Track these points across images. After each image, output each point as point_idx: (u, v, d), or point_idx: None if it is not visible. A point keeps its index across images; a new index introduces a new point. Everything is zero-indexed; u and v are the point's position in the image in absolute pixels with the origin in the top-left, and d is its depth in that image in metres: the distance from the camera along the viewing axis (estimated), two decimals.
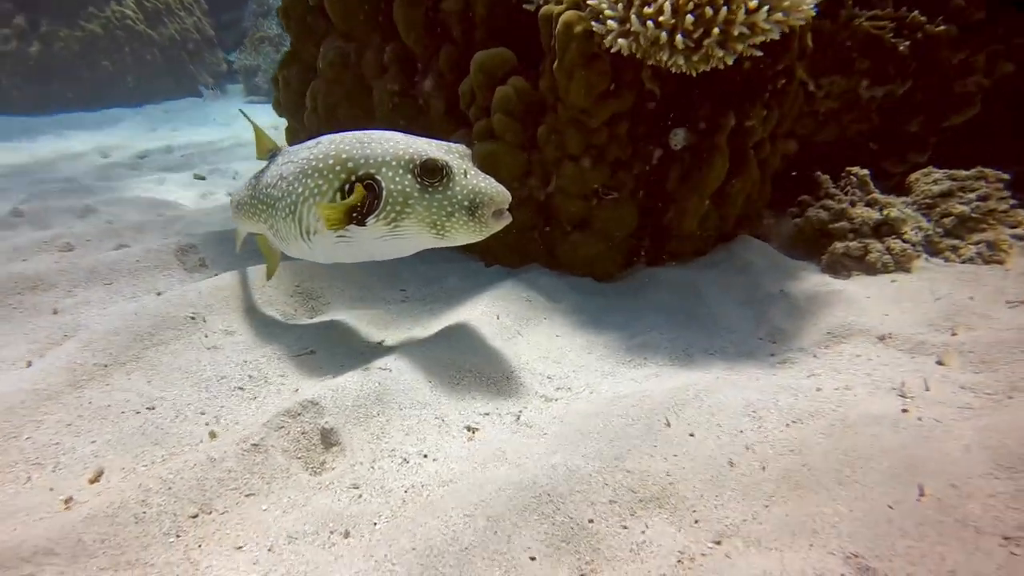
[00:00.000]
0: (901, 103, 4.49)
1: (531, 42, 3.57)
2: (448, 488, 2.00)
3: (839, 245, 3.83)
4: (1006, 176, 3.96)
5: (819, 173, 4.18)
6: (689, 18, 2.59)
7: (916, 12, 4.21)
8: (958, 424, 2.08)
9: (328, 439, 2.23)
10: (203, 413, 2.46)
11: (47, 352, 2.78)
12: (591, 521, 1.81)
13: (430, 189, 2.45)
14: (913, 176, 4.15)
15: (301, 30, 4.63)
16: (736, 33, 2.61)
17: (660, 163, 3.61)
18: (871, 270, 3.73)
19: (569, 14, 3.12)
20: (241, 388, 2.63)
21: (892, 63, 4.29)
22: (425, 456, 2.21)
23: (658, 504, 1.88)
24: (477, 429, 2.38)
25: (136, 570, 1.66)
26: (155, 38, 12.00)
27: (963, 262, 3.73)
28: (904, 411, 2.22)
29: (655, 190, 3.68)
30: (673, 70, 2.84)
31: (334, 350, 2.96)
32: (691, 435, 2.19)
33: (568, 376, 2.79)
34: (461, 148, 2.64)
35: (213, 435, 2.23)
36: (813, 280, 3.56)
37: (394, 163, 2.46)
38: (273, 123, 6.66)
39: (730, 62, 2.73)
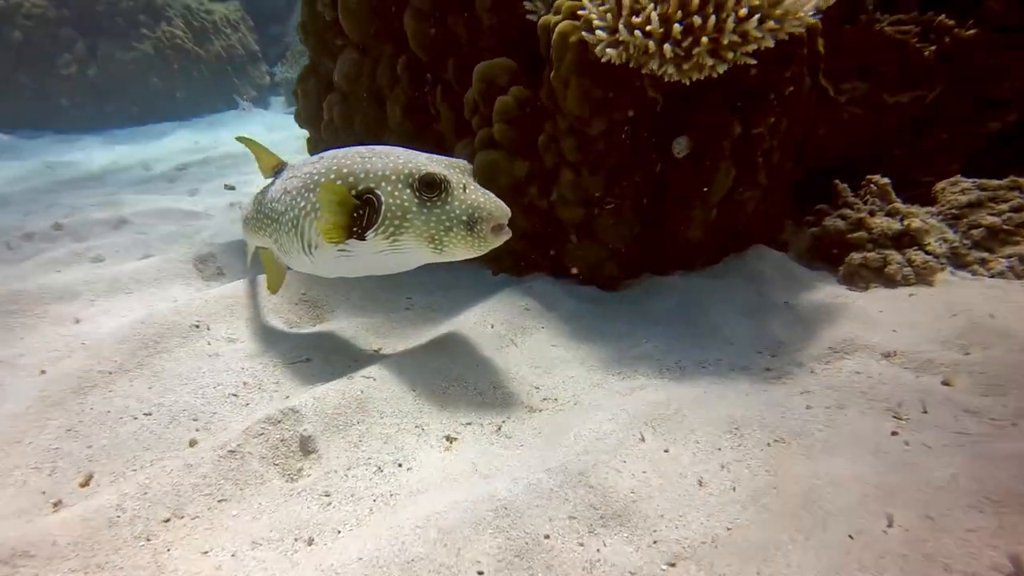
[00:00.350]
0: (931, 109, 4.31)
1: (536, 51, 3.58)
2: (414, 498, 2.02)
3: (856, 256, 3.70)
4: None
5: (837, 181, 4.05)
6: (677, 27, 2.55)
7: (943, 16, 4.03)
8: (949, 451, 1.98)
9: (306, 446, 2.28)
10: (195, 419, 2.54)
11: (62, 360, 2.92)
12: (547, 537, 1.79)
13: (428, 204, 2.47)
14: (939, 185, 3.97)
15: (318, 44, 4.76)
16: (726, 42, 2.56)
17: (664, 171, 3.56)
18: (890, 282, 3.58)
19: (564, 24, 3.12)
20: (235, 395, 2.71)
21: (918, 68, 4.12)
22: (400, 465, 2.24)
23: (619, 522, 1.85)
24: (456, 439, 2.40)
25: (104, 573, 1.74)
26: (202, 55, 12.52)
27: (992, 276, 3.55)
28: (894, 434, 2.13)
29: (659, 198, 3.63)
30: (666, 79, 2.80)
31: (329, 358, 3.02)
32: (666, 451, 2.15)
33: (556, 387, 2.77)
34: (462, 163, 2.65)
35: (193, 442, 2.30)
36: (825, 292, 3.45)
37: (393, 177, 2.48)
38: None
39: (721, 71, 2.68)
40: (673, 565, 1.69)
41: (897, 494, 1.75)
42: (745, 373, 2.75)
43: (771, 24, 2.57)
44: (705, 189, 3.49)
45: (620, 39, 2.69)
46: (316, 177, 2.62)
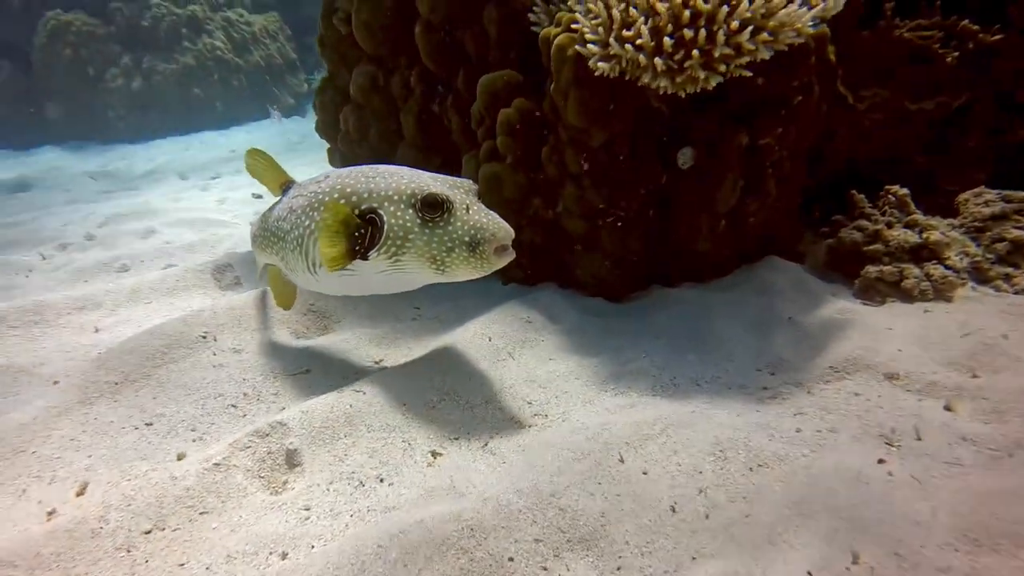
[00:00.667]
0: (957, 116, 4.14)
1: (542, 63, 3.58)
2: (389, 514, 2.04)
3: (872, 269, 3.58)
4: None
5: (854, 192, 3.92)
6: (667, 41, 2.52)
7: (967, 21, 3.88)
8: (937, 482, 1.90)
9: (292, 460, 2.33)
10: (194, 430, 2.62)
11: (75, 370, 3.05)
12: (511, 559, 1.79)
13: (430, 224, 2.45)
14: (962, 196, 3.81)
15: (335, 57, 4.86)
16: (718, 55, 2.51)
17: (669, 182, 3.51)
18: (908, 297, 3.45)
19: (562, 37, 3.11)
20: (234, 406, 2.79)
21: (942, 74, 3.96)
22: (381, 480, 2.26)
23: (585, 546, 1.83)
24: (441, 454, 2.41)
25: None
26: (242, 65, 12.91)
27: (1016, 292, 3.38)
28: (881, 462, 2.05)
29: (666, 209, 3.59)
30: (660, 92, 2.77)
31: (329, 370, 3.08)
32: (644, 473, 2.12)
33: (549, 402, 2.76)
34: (467, 183, 2.63)
35: (181, 456, 2.37)
36: (836, 307, 3.34)
37: (395, 197, 2.48)
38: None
39: (714, 84, 2.63)
40: None
41: (870, 529, 1.68)
42: (741, 392, 2.69)
43: (765, 36, 2.51)
44: (711, 200, 3.43)
45: (612, 53, 2.67)
46: (321, 196, 2.64)
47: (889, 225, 3.73)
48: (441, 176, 2.64)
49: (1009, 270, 3.48)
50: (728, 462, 2.15)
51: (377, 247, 2.48)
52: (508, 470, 2.23)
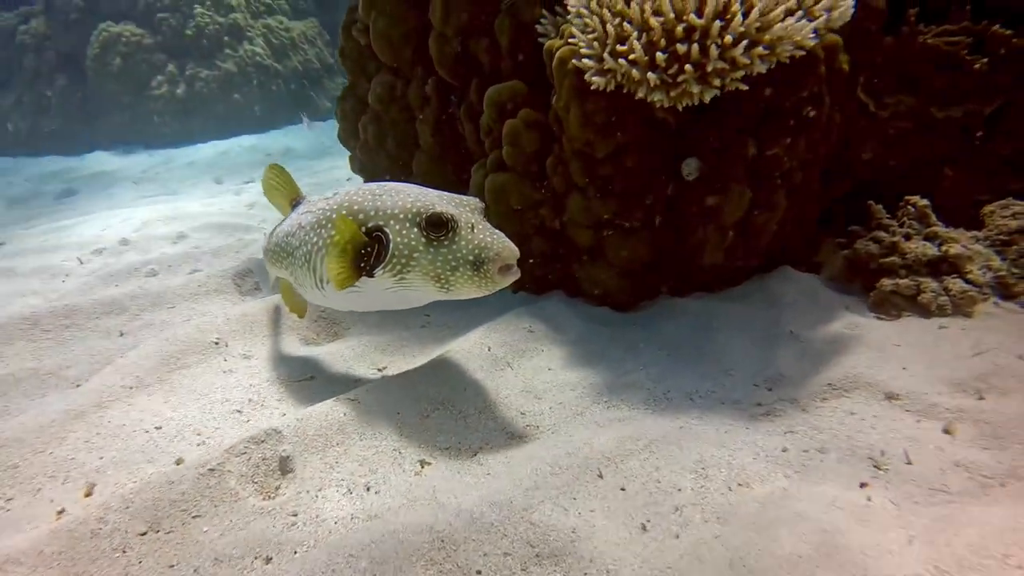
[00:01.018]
0: (989, 124, 3.99)
1: None
2: (369, 523, 2.10)
3: (887, 282, 3.48)
4: None
5: (871, 202, 3.82)
6: (660, 56, 2.51)
7: (998, 25, 3.73)
8: (916, 510, 1.86)
9: (285, 466, 2.41)
10: (199, 434, 2.74)
11: (95, 373, 3.21)
12: (479, 572, 1.83)
13: (435, 243, 2.47)
14: (987, 208, 3.67)
15: (355, 67, 4.97)
16: (711, 69, 2.50)
17: (675, 193, 3.49)
18: (924, 312, 3.35)
19: (564, 49, 3.12)
20: (239, 411, 2.90)
21: (970, 81, 3.83)
22: (368, 488, 2.33)
23: (553, 562, 1.86)
24: (430, 464, 2.46)
25: None
26: (280, 70, 13.27)
27: None
28: (863, 486, 2.01)
29: (674, 220, 3.57)
30: (657, 105, 2.76)
31: (333, 377, 3.17)
32: (622, 489, 2.13)
33: (543, 413, 2.79)
34: (474, 202, 2.65)
35: (180, 461, 2.48)
36: (845, 320, 3.27)
37: (401, 216, 2.51)
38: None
39: (708, 98, 2.61)
40: None
41: (836, 557, 1.66)
42: (734, 408, 2.66)
43: (760, 50, 2.48)
44: (718, 211, 3.40)
45: (606, 67, 2.67)
46: (329, 213, 2.67)
47: (907, 237, 3.62)
48: (448, 194, 2.66)
49: None
50: (709, 480, 2.14)
51: (383, 265, 2.51)
52: (491, 482, 2.26)
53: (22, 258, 5.43)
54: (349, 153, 5.42)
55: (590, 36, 2.76)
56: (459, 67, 4.16)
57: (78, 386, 3.07)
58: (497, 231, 2.55)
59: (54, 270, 4.92)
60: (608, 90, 2.82)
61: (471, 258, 2.46)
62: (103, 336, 3.73)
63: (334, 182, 8.15)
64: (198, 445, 2.66)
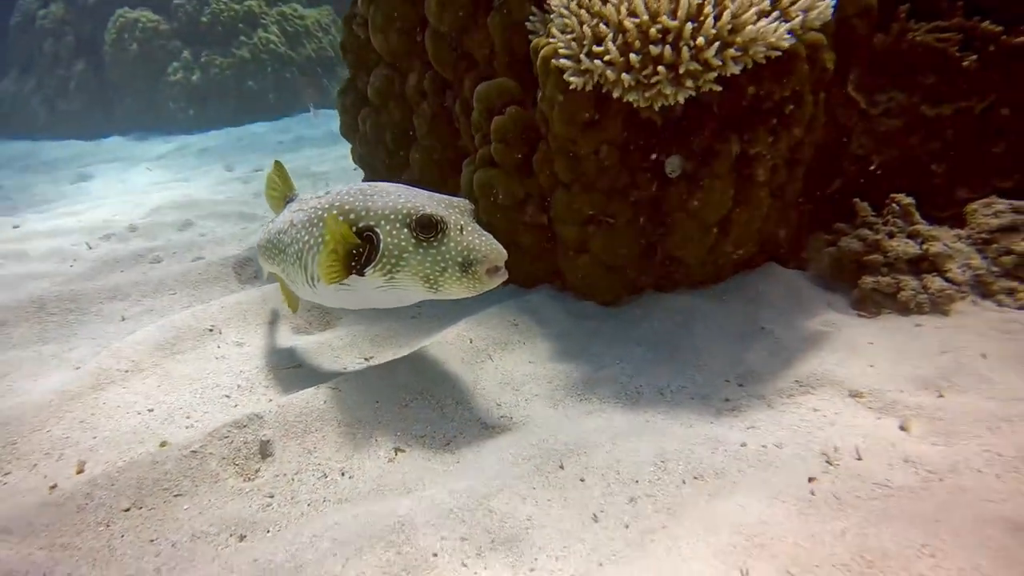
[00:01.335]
0: (981, 122, 3.98)
1: None
2: (338, 506, 2.21)
3: (868, 280, 3.52)
4: None
5: (857, 200, 3.84)
6: (634, 57, 2.56)
7: (988, 22, 3.71)
8: (857, 504, 1.92)
9: (265, 450, 2.52)
10: (188, 417, 2.87)
11: (94, 356, 3.36)
12: (435, 555, 1.93)
13: (424, 244, 2.52)
14: (970, 207, 3.68)
15: (355, 61, 5.05)
16: (683, 71, 2.54)
17: (660, 191, 3.54)
18: (904, 310, 3.39)
19: (547, 48, 3.17)
20: (228, 396, 3.02)
21: (961, 78, 3.82)
22: (343, 473, 2.44)
23: (507, 548, 1.95)
24: (404, 451, 2.56)
25: (65, 552, 2.05)
26: (294, 58, 13.39)
27: (1019, 308, 3.27)
28: (811, 480, 2.08)
29: (658, 217, 3.62)
30: (634, 105, 2.82)
31: (320, 366, 3.28)
32: (581, 480, 2.22)
33: (518, 405, 2.88)
34: (464, 203, 2.70)
35: (164, 443, 2.60)
36: (822, 318, 3.32)
37: (392, 217, 2.56)
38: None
39: (681, 99, 2.66)
40: None
41: (768, 547, 1.73)
42: (701, 403, 2.74)
43: (732, 52, 2.52)
44: (699, 209, 3.45)
45: (583, 68, 2.73)
46: (320, 213, 2.73)
47: (891, 235, 3.65)
48: (438, 196, 2.71)
49: (1014, 284, 3.36)
50: (667, 473, 2.22)
51: (373, 264, 2.57)
52: (458, 470, 2.37)
53: (34, 241, 5.61)
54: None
55: (568, 36, 2.81)
56: (454, 63, 4.21)
57: (78, 368, 3.21)
58: (486, 233, 2.61)
59: (64, 254, 5.10)
60: (587, 89, 2.88)
61: (460, 259, 2.51)
62: (106, 321, 3.88)
63: (343, 171, 8.27)
64: (187, 428, 2.79)
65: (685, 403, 2.74)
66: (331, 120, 12.75)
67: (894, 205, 3.71)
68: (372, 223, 2.58)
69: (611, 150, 3.40)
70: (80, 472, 2.49)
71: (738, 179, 3.45)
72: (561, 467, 2.27)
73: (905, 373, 2.70)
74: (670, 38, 2.55)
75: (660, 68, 2.53)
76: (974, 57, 3.72)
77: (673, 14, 2.52)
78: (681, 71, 2.54)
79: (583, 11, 2.73)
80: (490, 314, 3.52)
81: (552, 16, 3.04)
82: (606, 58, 2.63)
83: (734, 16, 2.50)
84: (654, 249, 3.71)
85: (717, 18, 2.49)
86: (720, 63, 2.53)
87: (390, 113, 4.81)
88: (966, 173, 4.10)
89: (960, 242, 3.58)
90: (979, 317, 3.19)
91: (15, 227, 6.35)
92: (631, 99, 2.70)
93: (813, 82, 3.40)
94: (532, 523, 2.02)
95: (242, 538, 2.12)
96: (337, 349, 3.47)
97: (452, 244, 2.52)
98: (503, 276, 2.58)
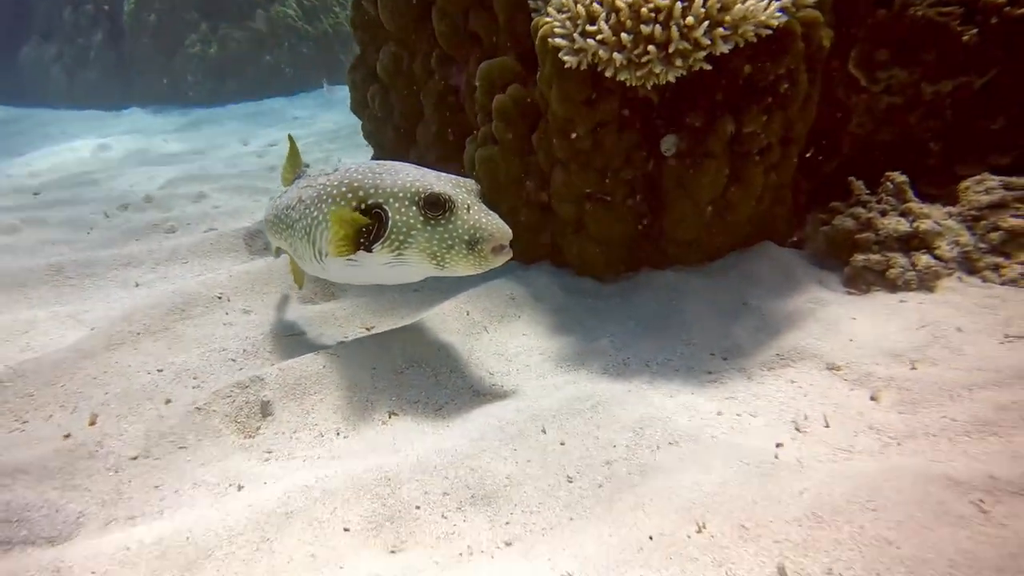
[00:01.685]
0: (981, 97, 3.97)
1: None
2: (331, 462, 2.35)
3: (860, 257, 3.57)
4: None
5: (852, 179, 3.87)
6: (625, 36, 2.62)
7: None
8: (818, 467, 2.02)
9: (266, 410, 2.67)
10: (195, 377, 3.02)
11: (108, 317, 3.52)
12: (418, 507, 2.06)
13: (432, 222, 2.58)
14: (963, 184, 3.70)
15: (365, 37, 5.12)
16: (673, 50, 2.60)
17: (656, 169, 3.60)
18: (892, 287, 3.44)
19: (545, 27, 3.23)
20: (233, 360, 3.17)
21: (961, 53, 3.81)
22: (338, 434, 2.58)
23: (486, 502, 2.08)
24: (397, 415, 2.70)
25: (76, 492, 2.22)
26: (311, 32, 13.43)
27: (1003, 283, 3.31)
28: (778, 445, 2.18)
29: (654, 195, 3.69)
30: (627, 84, 2.88)
31: (322, 333, 3.42)
32: (561, 443, 2.33)
33: (509, 374, 2.99)
34: (470, 183, 2.77)
35: (168, 401, 2.75)
36: (810, 295, 3.38)
37: (401, 195, 2.63)
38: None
39: (672, 78, 2.71)
40: (509, 544, 1.91)
41: (727, 504, 1.84)
42: (686, 375, 2.83)
43: (721, 31, 2.57)
44: (694, 187, 3.51)
45: (577, 47, 2.79)
46: (330, 189, 2.76)
47: (883, 213, 3.68)
48: (446, 175, 2.78)
49: (999, 260, 3.39)
50: (643, 438, 2.33)
51: (381, 241, 2.64)
52: (445, 432, 2.49)
53: (55, 210, 5.80)
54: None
55: (564, 15, 2.87)
56: (460, 41, 4.27)
57: (92, 329, 3.38)
58: (492, 212, 2.68)
59: (81, 222, 5.27)
60: (582, 68, 2.94)
61: (466, 237, 2.58)
62: (120, 286, 4.05)
63: (356, 147, 8.37)
64: (193, 388, 2.94)
65: (669, 375, 2.84)
66: (346, 96, 12.85)
67: (888, 183, 3.74)
68: (381, 200, 2.64)
69: (608, 129, 3.46)
70: (92, 424, 2.65)
71: (733, 158, 3.50)
72: (543, 431, 2.39)
73: (883, 347, 2.77)
74: (661, 17, 2.60)
75: (651, 47, 2.59)
76: (975, 31, 3.71)
77: None
78: (671, 50, 2.59)
79: None
80: (489, 288, 3.62)
81: None
82: (599, 37, 2.69)
83: None
84: (650, 227, 3.78)
85: None
86: (709, 42, 2.58)
87: (398, 90, 4.89)
88: (964, 150, 4.10)
89: (951, 219, 3.60)
90: (963, 293, 3.23)
91: (36, 193, 6.56)
92: (623, 78, 2.76)
93: (809, 60, 3.42)
94: (511, 481, 2.14)
95: (240, 488, 2.27)
96: (340, 319, 3.60)
97: (459, 222, 2.59)
98: (508, 254, 2.65)
